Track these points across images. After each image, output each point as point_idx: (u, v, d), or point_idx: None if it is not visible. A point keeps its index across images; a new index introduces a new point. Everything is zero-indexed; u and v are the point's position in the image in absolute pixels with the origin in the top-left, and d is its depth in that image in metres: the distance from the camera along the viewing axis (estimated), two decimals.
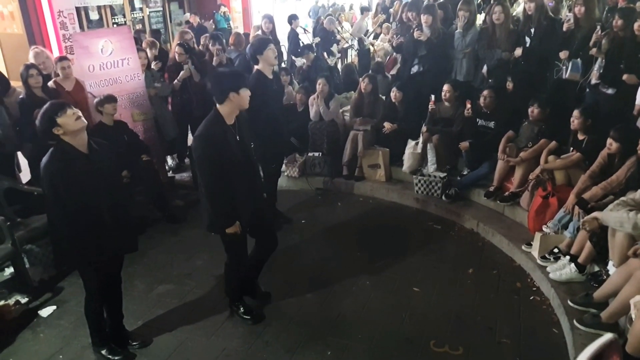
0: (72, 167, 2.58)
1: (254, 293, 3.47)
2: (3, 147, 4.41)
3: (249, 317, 3.32)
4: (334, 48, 8.03)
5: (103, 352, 3.04)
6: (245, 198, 3.00)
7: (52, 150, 2.61)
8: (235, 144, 2.92)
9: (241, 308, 3.34)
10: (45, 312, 3.51)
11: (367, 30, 9.12)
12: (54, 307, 3.56)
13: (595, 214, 3.12)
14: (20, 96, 4.57)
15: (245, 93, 2.90)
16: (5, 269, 3.79)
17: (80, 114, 2.63)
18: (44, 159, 2.59)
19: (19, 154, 4.85)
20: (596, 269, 3.37)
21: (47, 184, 2.57)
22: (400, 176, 5.29)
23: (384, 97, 5.60)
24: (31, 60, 4.94)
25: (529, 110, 4.35)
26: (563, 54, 4.44)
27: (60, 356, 3.11)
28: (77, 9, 9.20)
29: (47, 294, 3.70)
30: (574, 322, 2.99)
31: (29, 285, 3.68)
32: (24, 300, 3.57)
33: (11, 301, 3.54)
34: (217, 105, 2.90)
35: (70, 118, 2.57)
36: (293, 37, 7.80)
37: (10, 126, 4.42)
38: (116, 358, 3.01)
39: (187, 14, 10.72)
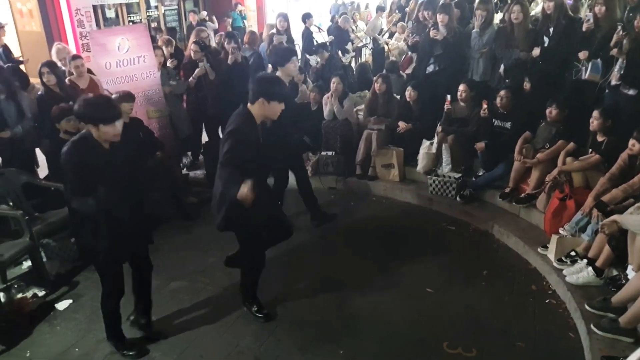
0: (90, 158, 2.59)
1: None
2: (23, 143, 4.48)
3: (261, 315, 3.33)
4: (349, 47, 8.01)
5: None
6: (261, 198, 2.99)
7: (75, 140, 2.63)
8: (259, 145, 2.94)
9: (254, 306, 3.35)
10: (61, 305, 3.56)
11: (382, 29, 9.09)
12: (70, 300, 3.61)
13: (614, 217, 3.06)
14: (39, 92, 4.64)
15: (275, 105, 2.90)
16: (23, 262, 3.86)
17: (119, 132, 2.63)
18: (65, 148, 2.60)
19: (37, 149, 4.92)
20: (614, 273, 3.31)
21: (66, 172, 2.60)
22: (415, 176, 5.25)
23: (398, 97, 5.57)
24: (53, 55, 5.02)
25: (547, 111, 4.28)
26: (582, 55, 4.35)
27: (76, 349, 3.15)
28: (94, 7, 9.31)
29: (64, 287, 3.75)
30: (591, 326, 2.94)
31: (46, 279, 3.74)
32: (41, 293, 3.63)
33: (29, 294, 3.59)
34: (248, 104, 2.92)
35: (109, 131, 2.59)
36: (307, 35, 7.80)
37: (30, 122, 4.49)
38: (130, 353, 3.05)
39: (204, 12, 10.78)
